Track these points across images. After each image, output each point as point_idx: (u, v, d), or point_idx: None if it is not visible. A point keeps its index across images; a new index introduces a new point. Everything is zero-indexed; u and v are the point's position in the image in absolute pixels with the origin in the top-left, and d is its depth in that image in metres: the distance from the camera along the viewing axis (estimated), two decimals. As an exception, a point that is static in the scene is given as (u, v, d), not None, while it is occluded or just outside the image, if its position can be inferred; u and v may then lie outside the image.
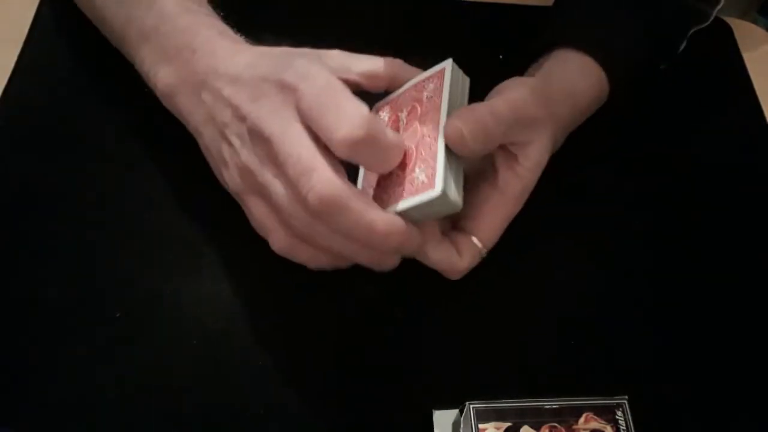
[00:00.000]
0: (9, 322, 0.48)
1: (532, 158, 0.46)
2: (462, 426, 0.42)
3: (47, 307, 0.48)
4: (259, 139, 0.42)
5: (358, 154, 0.41)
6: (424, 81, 0.46)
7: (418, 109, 0.44)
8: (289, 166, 0.40)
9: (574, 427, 0.42)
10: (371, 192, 0.45)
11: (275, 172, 0.42)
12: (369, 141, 0.40)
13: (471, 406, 0.42)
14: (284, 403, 0.46)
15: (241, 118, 0.43)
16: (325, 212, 0.40)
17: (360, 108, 0.40)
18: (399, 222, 0.40)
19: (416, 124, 0.44)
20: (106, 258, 0.50)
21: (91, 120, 0.51)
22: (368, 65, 0.46)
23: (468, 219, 0.47)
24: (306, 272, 0.50)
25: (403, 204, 0.41)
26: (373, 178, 0.45)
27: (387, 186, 0.43)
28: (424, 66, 0.48)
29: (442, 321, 0.50)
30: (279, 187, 0.42)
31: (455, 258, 0.46)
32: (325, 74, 0.42)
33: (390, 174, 0.43)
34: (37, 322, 0.48)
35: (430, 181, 0.40)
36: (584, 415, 0.42)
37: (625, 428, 0.42)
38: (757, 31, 0.66)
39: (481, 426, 0.41)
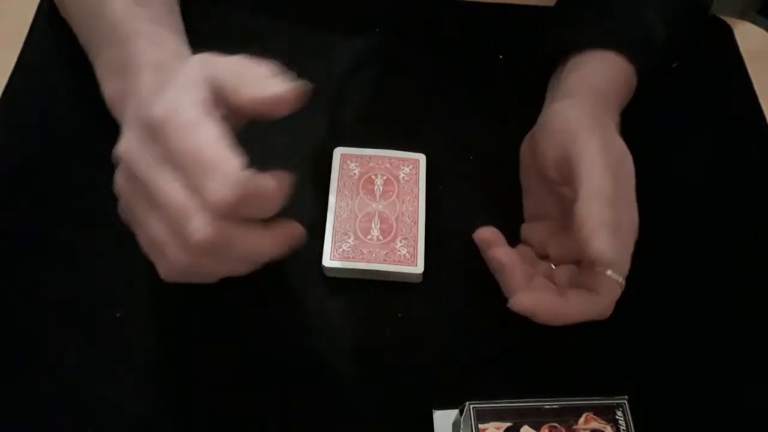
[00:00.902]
0: (9, 322, 0.48)
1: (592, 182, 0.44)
2: (462, 426, 0.42)
3: (47, 307, 0.48)
4: (127, 166, 0.41)
5: (236, 211, 0.38)
6: (399, 160, 0.54)
7: (395, 185, 0.53)
8: (168, 212, 0.39)
9: (574, 427, 0.42)
10: (350, 241, 0.51)
11: (156, 215, 0.40)
12: (245, 200, 0.38)
13: (471, 406, 0.42)
14: (284, 403, 0.46)
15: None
16: (208, 251, 0.39)
17: (231, 162, 0.37)
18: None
19: (395, 199, 0.53)
20: (106, 258, 0.50)
21: (91, 120, 0.51)
22: (256, 91, 0.40)
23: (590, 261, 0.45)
24: (306, 272, 0.50)
25: (385, 267, 0.50)
26: (348, 226, 0.51)
27: (367, 243, 0.51)
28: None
29: (442, 321, 0.50)
30: (159, 229, 0.40)
31: (593, 298, 0.45)
32: (193, 111, 0.38)
33: (368, 230, 0.51)
34: (37, 322, 0.48)
35: (413, 258, 0.50)
36: (584, 415, 0.42)
37: (625, 428, 0.42)
38: (757, 31, 0.66)
39: (481, 426, 0.41)
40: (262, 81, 0.40)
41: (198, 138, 0.38)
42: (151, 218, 0.40)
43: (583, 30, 0.53)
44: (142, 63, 0.46)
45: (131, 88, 0.45)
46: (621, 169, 0.46)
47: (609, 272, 0.45)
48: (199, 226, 0.38)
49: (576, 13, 0.55)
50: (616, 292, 0.45)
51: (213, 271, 0.42)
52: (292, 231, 0.43)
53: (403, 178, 0.54)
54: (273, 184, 0.39)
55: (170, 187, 0.38)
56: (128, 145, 0.40)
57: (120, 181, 0.42)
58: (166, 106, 0.38)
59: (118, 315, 0.48)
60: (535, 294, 0.46)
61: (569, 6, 0.57)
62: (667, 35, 0.53)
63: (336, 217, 0.51)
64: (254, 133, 0.52)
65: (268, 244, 0.41)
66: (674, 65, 0.57)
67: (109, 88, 0.49)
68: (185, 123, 0.38)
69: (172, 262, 0.40)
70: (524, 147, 0.53)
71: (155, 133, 0.39)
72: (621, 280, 0.45)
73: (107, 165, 0.50)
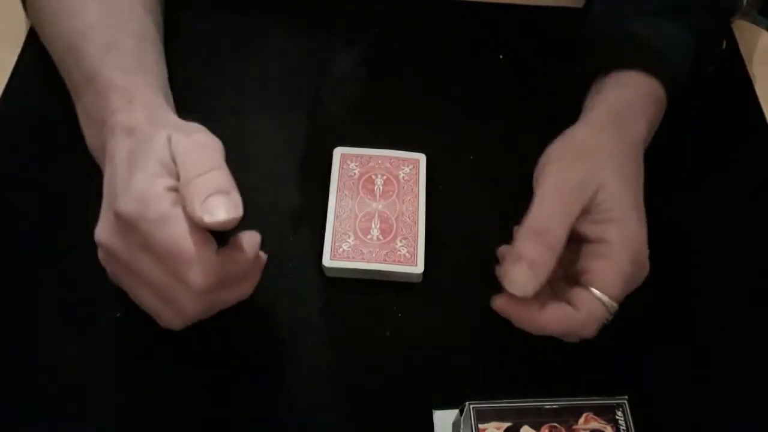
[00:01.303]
0: (9, 322, 0.48)
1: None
2: (462, 426, 0.42)
3: (47, 307, 0.48)
4: (108, 251, 0.42)
5: (215, 294, 0.42)
6: (399, 160, 0.54)
7: (395, 185, 0.53)
8: (155, 290, 0.42)
9: (574, 427, 0.42)
10: (350, 241, 0.51)
11: (144, 291, 0.43)
12: (224, 281, 0.41)
13: (471, 406, 0.42)
14: (284, 403, 0.46)
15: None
16: (200, 315, 0.43)
17: (206, 250, 0.40)
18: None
19: (395, 199, 0.53)
20: (106, 258, 0.50)
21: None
22: (192, 208, 0.39)
23: (581, 274, 0.44)
24: (306, 272, 0.50)
25: (385, 267, 0.50)
26: (348, 226, 0.51)
27: (367, 242, 0.51)
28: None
29: (442, 321, 0.50)
30: (151, 300, 0.43)
31: (569, 311, 0.43)
32: (162, 205, 0.40)
33: (368, 230, 0.51)
34: (37, 322, 0.48)
35: (413, 258, 0.50)
36: (584, 415, 0.42)
37: (625, 428, 0.42)
38: (757, 31, 0.66)
39: (481, 426, 0.41)
40: (201, 201, 0.39)
41: (170, 233, 0.39)
42: (139, 290, 0.43)
43: (603, 52, 0.52)
44: (116, 128, 0.45)
45: (108, 153, 0.45)
46: (599, 198, 0.44)
47: (595, 291, 0.43)
48: (189, 302, 0.41)
49: (596, 35, 0.54)
50: (599, 313, 0.43)
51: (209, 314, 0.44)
52: (261, 259, 0.45)
53: (403, 178, 0.54)
54: (246, 260, 0.42)
55: (153, 272, 0.41)
56: (107, 235, 0.42)
57: (104, 258, 0.43)
58: (135, 201, 0.40)
59: (118, 315, 0.48)
60: (513, 298, 0.44)
61: (591, 28, 0.56)
62: (694, 47, 0.52)
63: (336, 217, 0.51)
64: (254, 134, 0.52)
65: (250, 284, 0.44)
66: (710, 69, 0.56)
67: (89, 138, 0.49)
68: (156, 218, 0.40)
69: (168, 323, 0.43)
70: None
71: (130, 227, 0.40)
72: (608, 301, 0.43)
73: (107, 165, 0.50)
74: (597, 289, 0.43)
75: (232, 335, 0.48)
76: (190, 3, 0.61)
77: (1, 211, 0.52)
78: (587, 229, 0.44)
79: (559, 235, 0.43)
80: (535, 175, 0.47)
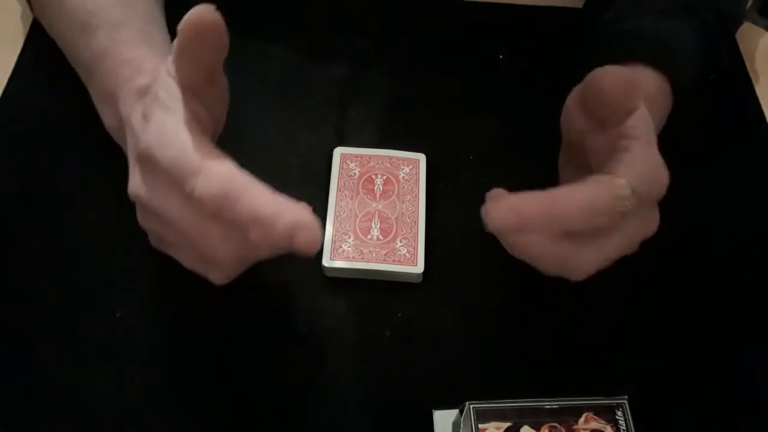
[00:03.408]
0: (9, 322, 0.48)
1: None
2: (462, 426, 0.42)
3: (47, 307, 0.48)
4: (142, 204, 0.42)
5: (227, 213, 0.38)
6: (399, 160, 0.54)
7: (395, 185, 0.53)
8: (185, 233, 0.41)
9: (574, 427, 0.42)
10: (350, 240, 0.51)
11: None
12: (229, 196, 0.38)
13: (471, 406, 0.42)
14: (284, 403, 0.46)
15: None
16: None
17: (223, 165, 0.39)
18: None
19: (395, 198, 0.53)
20: (106, 257, 0.50)
21: (91, 120, 0.51)
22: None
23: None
24: (306, 272, 0.50)
25: (385, 267, 0.50)
26: (348, 226, 0.51)
27: (367, 242, 0.51)
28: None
29: (442, 321, 0.50)
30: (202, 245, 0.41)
31: (577, 185, 0.40)
32: (174, 124, 0.40)
33: (368, 229, 0.51)
34: (36, 322, 0.48)
35: (413, 258, 0.50)
36: (584, 415, 0.42)
37: (625, 428, 0.42)
38: (757, 31, 0.66)
39: (481, 426, 0.41)
40: None
41: (176, 143, 0.39)
42: (180, 240, 0.42)
43: (608, 48, 0.52)
44: (128, 93, 0.46)
45: (128, 124, 0.45)
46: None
47: (618, 180, 0.41)
48: (216, 238, 0.40)
49: (601, 35, 0.55)
50: (613, 187, 0.40)
51: (257, 255, 0.42)
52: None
53: (403, 177, 0.54)
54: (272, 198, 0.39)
55: (181, 210, 0.40)
56: (136, 186, 0.42)
57: (142, 217, 0.44)
58: (150, 134, 0.40)
59: (118, 315, 0.48)
60: (511, 197, 0.41)
61: (597, 30, 0.56)
62: (700, 48, 0.52)
63: (336, 217, 0.51)
64: (254, 133, 0.52)
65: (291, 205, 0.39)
66: (712, 77, 0.56)
67: (107, 119, 0.50)
68: (167, 140, 0.39)
69: (223, 267, 0.42)
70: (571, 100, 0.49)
71: (150, 164, 0.40)
72: (620, 182, 0.41)
73: (107, 165, 0.50)
74: (617, 171, 0.41)
75: (232, 335, 0.48)
76: (189, 3, 0.61)
77: (1, 211, 0.52)
78: (607, 141, 0.43)
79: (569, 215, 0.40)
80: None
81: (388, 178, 0.54)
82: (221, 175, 0.38)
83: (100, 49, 0.49)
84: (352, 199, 0.52)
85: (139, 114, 0.43)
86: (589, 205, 0.40)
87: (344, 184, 0.53)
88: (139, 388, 0.46)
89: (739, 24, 0.58)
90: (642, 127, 0.44)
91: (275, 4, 0.64)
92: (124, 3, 0.51)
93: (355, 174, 0.54)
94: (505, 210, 0.40)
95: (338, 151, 0.55)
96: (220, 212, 0.38)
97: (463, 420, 0.42)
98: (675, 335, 0.50)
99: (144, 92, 0.45)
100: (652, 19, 0.53)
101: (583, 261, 0.42)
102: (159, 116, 0.41)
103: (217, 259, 0.42)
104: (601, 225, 0.41)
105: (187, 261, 0.44)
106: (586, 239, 0.42)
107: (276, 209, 0.37)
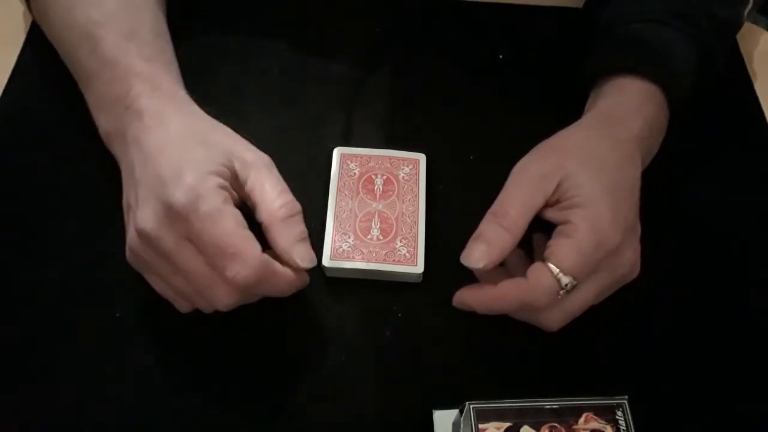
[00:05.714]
0: (9, 322, 0.48)
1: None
2: (462, 426, 0.42)
3: (48, 307, 0.48)
4: (149, 239, 0.43)
5: (252, 290, 0.44)
6: (399, 160, 0.54)
7: (395, 185, 0.53)
8: (191, 278, 0.43)
9: (574, 427, 0.42)
10: (350, 240, 0.51)
11: (178, 278, 0.44)
12: (262, 281, 0.43)
13: (471, 406, 0.42)
14: (284, 403, 0.46)
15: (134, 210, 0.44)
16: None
17: (252, 249, 0.42)
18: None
19: (395, 198, 0.53)
20: (106, 258, 0.50)
21: (91, 120, 0.51)
22: (284, 246, 0.45)
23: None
24: (306, 272, 0.50)
25: (385, 267, 0.50)
26: (348, 226, 0.51)
27: (367, 242, 0.51)
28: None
29: (442, 321, 0.50)
30: (183, 285, 0.45)
31: (519, 281, 0.45)
32: (215, 200, 0.42)
33: (368, 229, 0.51)
34: (37, 322, 0.48)
35: (413, 258, 0.50)
36: (584, 415, 0.42)
37: (625, 428, 0.42)
38: (757, 31, 0.66)
39: (481, 426, 0.41)
40: (292, 244, 0.45)
41: (221, 227, 0.42)
42: (175, 278, 0.44)
43: (603, 57, 0.53)
44: (144, 114, 0.46)
45: (133, 138, 0.46)
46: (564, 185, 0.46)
47: (548, 264, 0.44)
48: (224, 294, 0.43)
49: (597, 38, 0.55)
50: (545, 280, 0.44)
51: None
52: (303, 277, 0.47)
53: (403, 177, 0.54)
54: (283, 270, 0.44)
55: (195, 262, 0.43)
56: (151, 224, 0.43)
57: (138, 247, 0.44)
58: (188, 194, 0.42)
59: (118, 315, 0.48)
60: (470, 289, 0.48)
61: (594, 32, 0.56)
62: (696, 57, 0.53)
63: (336, 217, 0.51)
64: (254, 134, 0.52)
65: (287, 284, 0.45)
66: (710, 84, 0.56)
67: (103, 123, 0.50)
68: (208, 213, 0.42)
69: (197, 307, 0.46)
70: None
71: (178, 218, 0.42)
72: (558, 272, 0.44)
73: (107, 165, 0.50)
74: (551, 262, 0.44)
75: (232, 335, 0.48)
76: (189, 3, 0.61)
77: (2, 211, 0.52)
78: (556, 215, 0.46)
79: (515, 218, 0.45)
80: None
81: (388, 178, 0.54)
82: (255, 263, 0.42)
83: (110, 57, 0.49)
84: (352, 199, 0.52)
85: (161, 139, 0.45)
86: (525, 299, 0.45)
87: (344, 184, 0.53)
88: (138, 388, 0.46)
89: (736, 31, 0.59)
90: (586, 195, 0.45)
91: (275, 4, 0.64)
92: (133, 14, 0.52)
93: (355, 174, 0.54)
94: (457, 298, 0.49)
95: (338, 151, 0.55)
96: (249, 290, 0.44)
97: (463, 420, 0.42)
98: (675, 335, 0.50)
99: (163, 120, 0.46)
100: (650, 28, 0.53)
101: (550, 321, 0.47)
102: (197, 175, 0.43)
103: (214, 306, 0.44)
104: (548, 303, 0.45)
105: (162, 290, 0.46)
106: (543, 308, 0.46)
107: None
